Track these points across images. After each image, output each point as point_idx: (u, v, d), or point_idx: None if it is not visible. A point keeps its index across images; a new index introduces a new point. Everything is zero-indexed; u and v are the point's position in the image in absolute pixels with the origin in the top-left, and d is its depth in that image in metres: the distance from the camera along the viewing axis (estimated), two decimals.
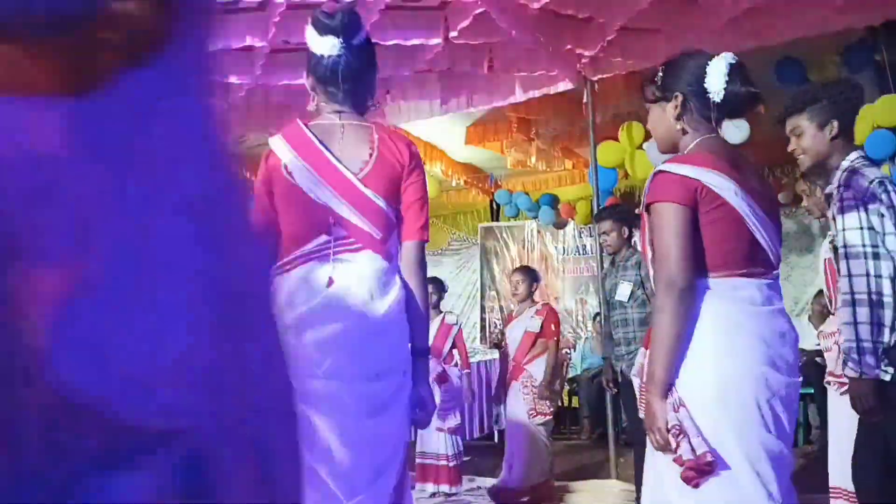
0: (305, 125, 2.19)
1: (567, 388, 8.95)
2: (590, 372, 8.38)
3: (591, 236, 10.90)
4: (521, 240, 11.71)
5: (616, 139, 6.57)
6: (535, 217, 10.76)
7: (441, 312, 6.22)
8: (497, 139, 8.86)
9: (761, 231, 2.08)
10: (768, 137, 7.65)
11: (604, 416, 6.46)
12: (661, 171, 2.08)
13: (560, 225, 10.94)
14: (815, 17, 5.35)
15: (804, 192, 3.71)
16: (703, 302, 2.01)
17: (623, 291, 5.00)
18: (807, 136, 2.83)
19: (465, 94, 6.64)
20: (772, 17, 5.41)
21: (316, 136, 2.14)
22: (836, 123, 2.79)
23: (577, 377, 8.69)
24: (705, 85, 2.10)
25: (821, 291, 7.98)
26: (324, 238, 2.08)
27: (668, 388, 1.98)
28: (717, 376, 1.98)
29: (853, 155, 2.76)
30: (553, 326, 5.66)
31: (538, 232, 11.54)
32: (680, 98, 2.14)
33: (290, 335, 1.97)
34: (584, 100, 6.35)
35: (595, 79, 6.24)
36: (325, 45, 2.09)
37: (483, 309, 11.78)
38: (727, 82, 2.09)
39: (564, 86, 6.38)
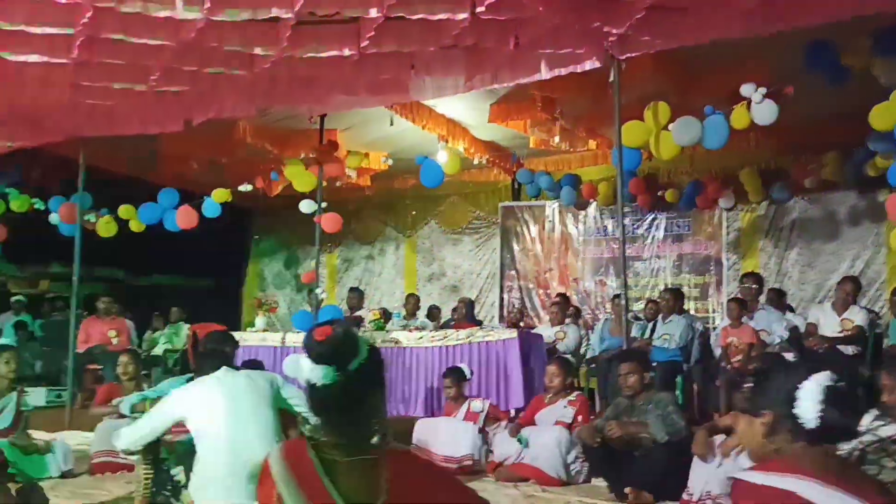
0: (315, 448, 1.91)
1: (584, 369, 8.95)
2: (608, 353, 8.35)
3: (612, 217, 10.85)
4: (542, 220, 11.66)
5: (641, 120, 6.52)
6: (557, 197, 10.71)
7: (466, 399, 6.49)
8: (521, 118, 8.81)
9: None
10: (795, 121, 7.61)
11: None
12: (740, 480, 1.88)
13: (581, 205, 10.90)
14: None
15: None
16: None
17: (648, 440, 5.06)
18: None
19: (489, 71, 6.59)
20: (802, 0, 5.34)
21: (323, 467, 1.87)
22: None
23: (595, 358, 8.67)
24: (795, 410, 1.91)
25: (844, 278, 7.93)
26: None
27: None
28: None
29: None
30: (580, 419, 5.76)
31: (559, 212, 11.49)
32: (769, 418, 1.97)
33: None
34: (611, 79, 6.29)
35: (622, 58, 6.17)
36: (317, 375, 1.89)
37: (502, 288, 11.76)
38: (821, 412, 1.89)
39: (591, 64, 6.31)
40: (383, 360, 2.04)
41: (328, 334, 1.90)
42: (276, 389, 3.82)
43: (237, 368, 4.08)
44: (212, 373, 3.84)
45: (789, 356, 2.30)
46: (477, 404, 6.39)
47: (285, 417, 3.81)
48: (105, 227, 9.40)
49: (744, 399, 2.12)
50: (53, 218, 9.30)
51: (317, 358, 1.89)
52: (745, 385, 2.08)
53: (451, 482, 2.02)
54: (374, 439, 1.96)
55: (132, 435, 3.84)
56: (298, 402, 3.86)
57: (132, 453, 4.07)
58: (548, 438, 5.56)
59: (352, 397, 1.92)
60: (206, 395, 3.71)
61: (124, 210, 9.42)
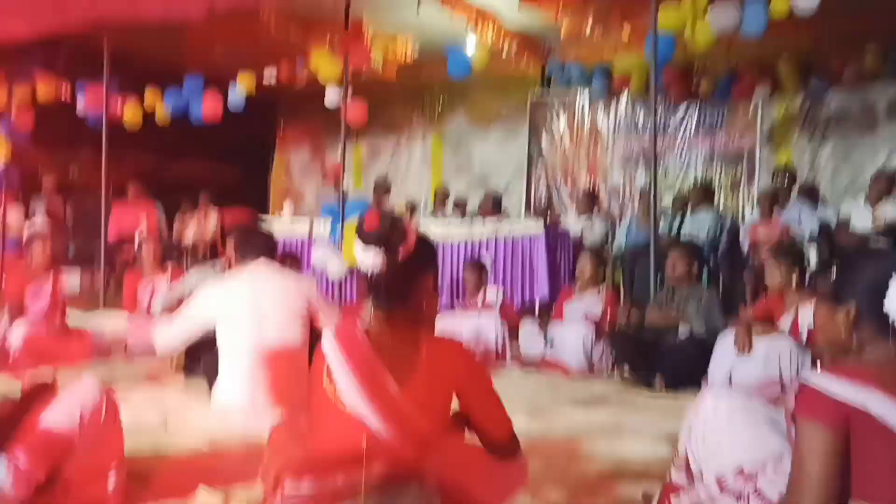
0: (363, 329, 2.04)
1: (610, 263, 8.96)
2: (635, 248, 8.33)
3: (643, 109, 10.63)
4: (572, 112, 11.45)
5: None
6: (588, 88, 10.48)
7: (482, 286, 6.54)
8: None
9: None
10: (836, 10, 7.29)
11: (646, 293, 6.48)
12: (807, 385, 1.74)
13: (613, 97, 10.66)
14: None
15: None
16: None
17: (682, 330, 5.12)
18: None
19: None
20: None
21: (371, 344, 2.00)
22: None
23: (622, 254, 8.66)
24: (884, 307, 1.74)
25: (879, 172, 7.77)
26: (354, 477, 1.88)
27: None
28: None
29: None
30: (610, 310, 5.83)
31: (590, 104, 11.25)
32: (853, 310, 1.81)
33: None
34: None
35: None
36: (368, 258, 1.99)
37: (529, 181, 11.68)
38: None
39: None
40: (433, 246, 2.15)
41: (377, 220, 2.01)
42: (308, 301, 3.75)
43: (274, 257, 4.01)
44: (251, 261, 3.82)
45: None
46: (492, 293, 6.47)
47: None
48: (131, 113, 9.38)
49: (827, 287, 1.91)
50: (80, 103, 9.28)
51: (368, 241, 2.00)
52: (831, 272, 1.92)
53: (482, 367, 2.12)
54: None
55: (169, 339, 3.85)
56: (326, 319, 3.78)
57: None
58: (573, 335, 5.61)
59: (400, 279, 2.03)
60: (232, 300, 3.67)
61: (150, 95, 9.35)
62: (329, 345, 2.01)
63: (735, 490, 2.15)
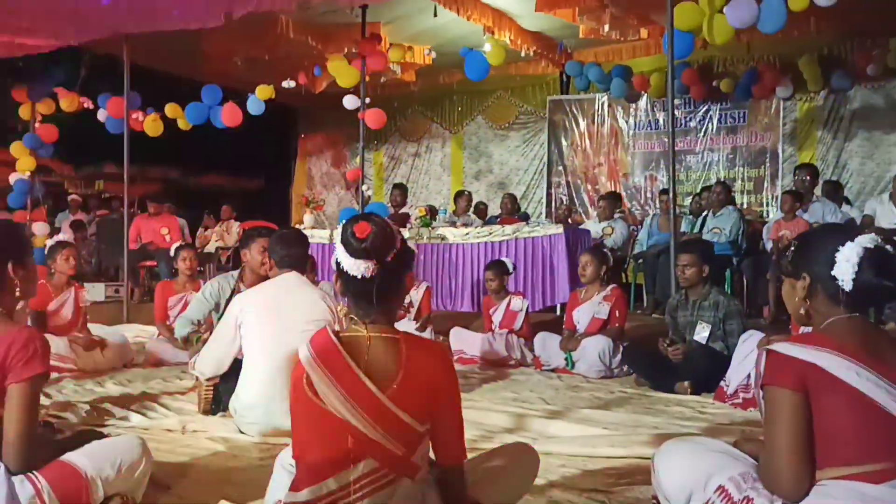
0: (336, 335, 2.05)
1: (632, 264, 8.89)
2: (656, 248, 8.27)
3: (663, 110, 10.55)
4: (591, 114, 11.41)
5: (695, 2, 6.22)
6: (607, 90, 10.42)
7: (507, 295, 6.39)
8: (569, 5, 8.48)
9: None
10: (858, 3, 7.19)
11: (667, 293, 6.41)
12: (771, 351, 1.96)
13: (632, 98, 10.60)
14: None
15: None
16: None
17: (701, 333, 4.96)
18: None
19: None
20: None
21: (344, 348, 2.02)
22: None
23: (643, 254, 8.59)
24: (833, 272, 1.94)
25: None
26: (345, 477, 1.94)
27: None
28: None
29: None
30: (618, 313, 5.70)
31: (609, 105, 11.20)
32: (807, 280, 2.02)
33: None
34: None
35: None
36: (359, 268, 2.00)
37: (549, 184, 11.64)
38: (857, 272, 1.91)
39: None
40: (413, 249, 2.17)
41: (369, 231, 1.97)
42: (330, 313, 3.72)
43: (304, 271, 3.95)
44: (283, 271, 3.81)
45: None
46: (517, 302, 6.30)
47: None
48: (152, 125, 9.46)
49: (787, 263, 2.10)
50: (101, 114, 9.36)
51: (358, 254, 1.97)
52: (790, 250, 2.10)
53: (456, 381, 2.10)
54: (414, 327, 2.08)
55: (211, 363, 3.85)
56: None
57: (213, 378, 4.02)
58: (591, 349, 5.51)
59: (386, 284, 2.03)
60: (256, 308, 3.68)
61: (171, 109, 9.44)
62: (304, 354, 2.01)
63: None
